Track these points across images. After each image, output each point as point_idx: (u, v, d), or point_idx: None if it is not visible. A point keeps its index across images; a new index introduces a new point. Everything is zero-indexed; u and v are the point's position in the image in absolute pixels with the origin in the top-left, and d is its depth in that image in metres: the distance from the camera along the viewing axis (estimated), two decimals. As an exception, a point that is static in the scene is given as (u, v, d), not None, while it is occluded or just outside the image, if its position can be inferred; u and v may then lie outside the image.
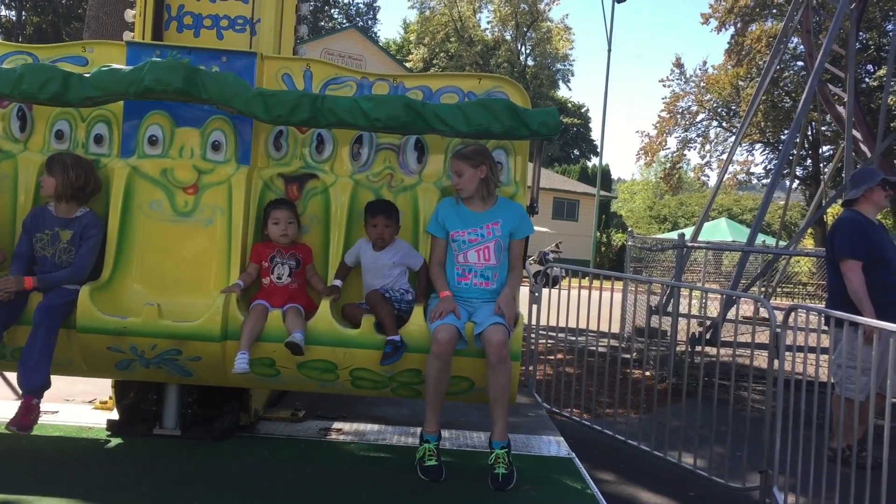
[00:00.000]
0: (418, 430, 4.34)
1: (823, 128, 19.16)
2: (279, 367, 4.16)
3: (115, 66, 4.13)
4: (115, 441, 4.44)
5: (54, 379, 4.08)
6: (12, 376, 5.39)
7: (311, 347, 4.08)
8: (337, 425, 5.04)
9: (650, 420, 6.03)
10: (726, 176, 26.41)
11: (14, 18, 35.91)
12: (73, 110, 4.44)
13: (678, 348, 8.42)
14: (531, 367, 7.01)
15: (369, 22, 54.78)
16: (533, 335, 6.99)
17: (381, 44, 46.73)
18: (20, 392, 4.00)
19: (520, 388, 5.90)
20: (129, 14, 4.77)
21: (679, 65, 36.07)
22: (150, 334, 4.01)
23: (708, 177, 38.56)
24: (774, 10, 28.18)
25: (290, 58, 4.70)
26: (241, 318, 4.09)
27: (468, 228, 4.32)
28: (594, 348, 8.12)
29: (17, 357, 4.09)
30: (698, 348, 8.18)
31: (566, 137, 56.14)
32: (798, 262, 16.97)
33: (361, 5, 54.92)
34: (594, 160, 53.29)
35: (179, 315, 4.11)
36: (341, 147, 4.56)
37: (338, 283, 4.38)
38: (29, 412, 3.98)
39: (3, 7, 36.80)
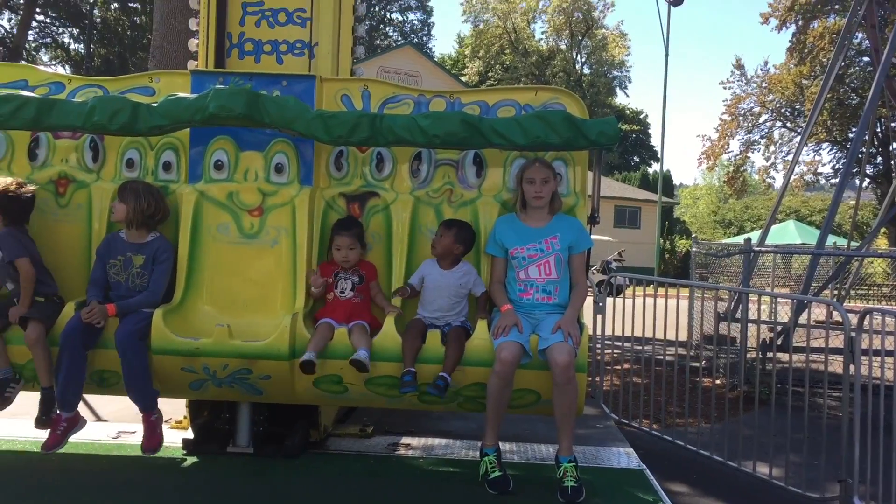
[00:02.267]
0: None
1: (893, 124, 18.56)
2: (347, 384, 4.21)
3: (180, 94, 4.26)
4: (190, 460, 4.56)
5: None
6: (91, 398, 5.58)
7: (377, 364, 4.12)
8: (405, 440, 5.07)
9: (722, 429, 5.89)
10: (793, 177, 25.83)
11: (83, 51, 37.27)
12: (142, 139, 4.58)
13: (749, 355, 8.24)
14: (598, 378, 6.95)
15: (424, 38, 55.20)
16: (599, 345, 6.93)
17: (436, 59, 47.03)
18: (91, 414, 4.13)
19: (587, 399, 5.85)
20: (193, 43, 4.91)
21: (739, 66, 35.39)
22: (221, 354, 4.10)
23: (773, 179, 37.68)
24: (837, 6, 27.49)
25: (349, 79, 4.78)
26: (308, 336, 4.16)
27: (527, 244, 4.32)
28: (662, 357, 8.00)
29: (97, 379, 4.25)
30: (770, 355, 7.99)
31: (625, 144, 55.56)
32: (872, 263, 16.42)
33: (416, 22, 55.42)
34: (655, 166, 52.57)
35: (249, 335, 4.20)
36: (401, 164, 4.61)
37: (407, 289, 4.43)
38: (154, 429, 4.21)
39: (72, 41, 38.22)
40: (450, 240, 4.39)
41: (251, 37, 4.77)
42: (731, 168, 37.46)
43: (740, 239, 16.96)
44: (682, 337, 9.11)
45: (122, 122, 4.14)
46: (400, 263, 4.52)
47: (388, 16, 54.50)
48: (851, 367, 4.76)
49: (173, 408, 5.59)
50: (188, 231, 4.44)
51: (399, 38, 51.73)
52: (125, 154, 4.65)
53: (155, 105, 4.19)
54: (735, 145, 35.24)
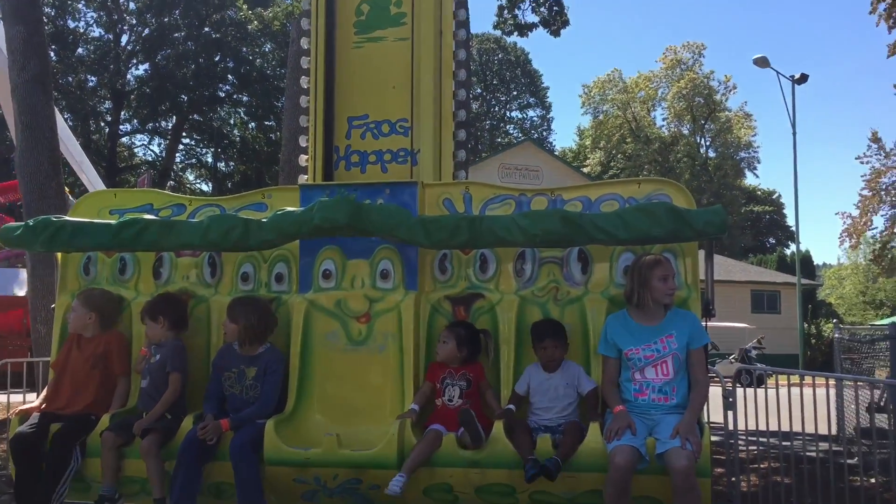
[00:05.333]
0: None
1: None
2: (456, 493, 4.10)
3: (288, 208, 4.43)
4: None
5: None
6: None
7: (486, 471, 4.00)
8: None
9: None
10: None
11: (223, 169, 40.04)
12: (256, 253, 4.76)
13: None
14: (733, 479, 6.48)
15: (544, 133, 55.94)
16: (734, 441, 6.49)
17: (556, 153, 47.48)
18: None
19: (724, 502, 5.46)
20: (303, 159, 5.13)
21: (876, 139, 33.78)
22: (330, 464, 4.10)
23: (926, 254, 35.25)
24: (978, 69, 26.01)
25: (450, 183, 4.84)
26: (414, 442, 4.10)
27: (642, 345, 4.13)
28: (811, 453, 7.40)
29: (213, 491, 4.31)
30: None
31: (759, 226, 53.64)
32: None
33: (535, 118, 56.37)
34: (792, 247, 50.35)
35: (359, 443, 4.19)
36: (504, 264, 4.58)
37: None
38: None
39: (215, 160, 41.06)
40: (551, 350, 4.29)
41: (357, 149, 4.96)
42: (878, 245, 35.36)
43: (892, 321, 15.83)
44: (832, 430, 8.43)
45: (234, 238, 4.32)
46: (507, 364, 4.43)
47: (508, 114, 55.74)
48: None
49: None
50: (299, 340, 4.54)
51: (519, 135, 52.62)
52: (241, 268, 4.85)
53: (265, 221, 4.37)
54: (879, 221, 33.37)
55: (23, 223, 4.63)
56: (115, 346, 4.74)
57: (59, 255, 5.07)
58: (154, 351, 4.60)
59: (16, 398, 4.84)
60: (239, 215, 4.49)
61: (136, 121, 39.63)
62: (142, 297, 4.83)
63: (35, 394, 4.87)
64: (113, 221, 4.53)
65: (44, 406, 4.64)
